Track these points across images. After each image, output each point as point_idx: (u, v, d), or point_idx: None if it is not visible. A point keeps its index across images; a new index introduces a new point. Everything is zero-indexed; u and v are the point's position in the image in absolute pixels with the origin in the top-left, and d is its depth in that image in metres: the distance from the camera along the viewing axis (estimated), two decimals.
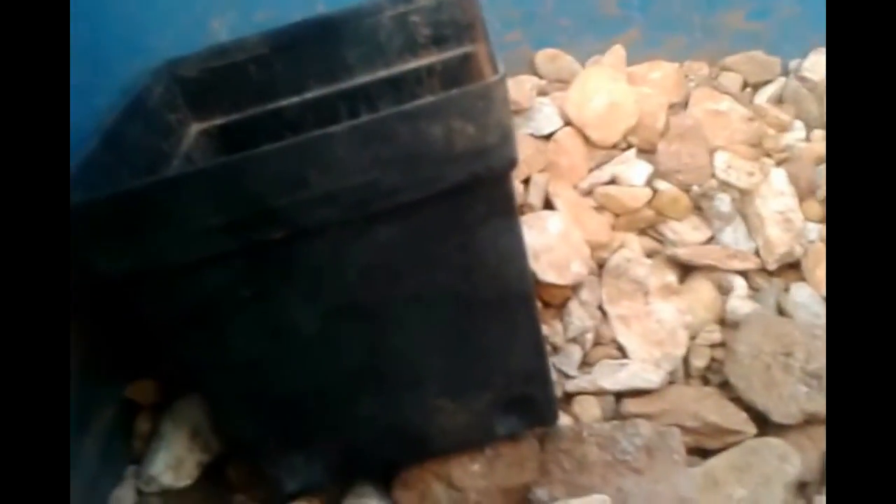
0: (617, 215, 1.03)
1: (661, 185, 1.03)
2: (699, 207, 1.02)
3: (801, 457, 0.77)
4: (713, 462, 0.79)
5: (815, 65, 1.18)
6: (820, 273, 0.94)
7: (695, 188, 1.02)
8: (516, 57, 1.19)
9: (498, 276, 0.63)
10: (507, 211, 0.60)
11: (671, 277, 0.94)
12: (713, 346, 0.90)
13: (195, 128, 0.89)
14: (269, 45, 0.86)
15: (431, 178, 0.56)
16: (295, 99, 0.88)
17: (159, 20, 0.97)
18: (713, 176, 1.03)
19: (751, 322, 0.88)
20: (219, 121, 0.89)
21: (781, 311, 0.93)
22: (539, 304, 0.89)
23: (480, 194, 0.59)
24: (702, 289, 0.94)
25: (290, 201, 0.56)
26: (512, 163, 0.57)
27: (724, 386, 0.86)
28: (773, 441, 0.79)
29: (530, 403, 0.72)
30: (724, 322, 0.92)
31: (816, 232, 0.98)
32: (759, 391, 0.82)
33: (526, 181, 1.03)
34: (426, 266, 0.62)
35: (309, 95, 0.88)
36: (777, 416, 0.80)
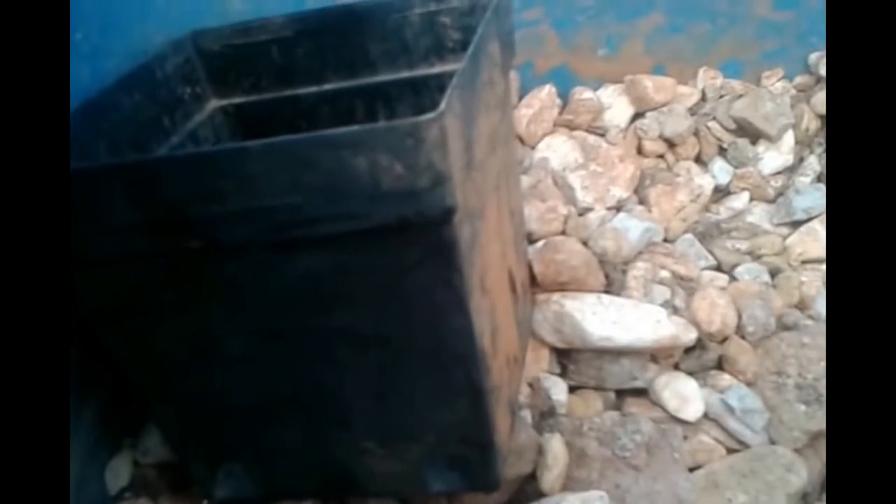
0: None
1: None
2: None
3: (807, 467, 0.75)
4: (716, 465, 0.77)
5: None
6: None
7: None
8: (534, 35, 1.14)
9: (431, 329, 0.56)
10: (445, 263, 0.52)
11: None
12: None
13: (213, 104, 0.85)
14: (292, 29, 0.80)
15: (356, 213, 0.49)
16: (313, 88, 0.83)
17: None
18: None
19: None
20: (237, 100, 0.85)
21: None
22: None
23: (413, 240, 0.51)
24: None
25: (205, 212, 0.51)
26: (447, 212, 0.49)
27: None
28: (780, 450, 0.77)
29: (467, 465, 0.64)
30: None
31: None
32: None
33: None
34: (352, 304, 0.56)
35: (328, 87, 0.82)
36: (783, 443, 0.78)
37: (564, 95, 1.17)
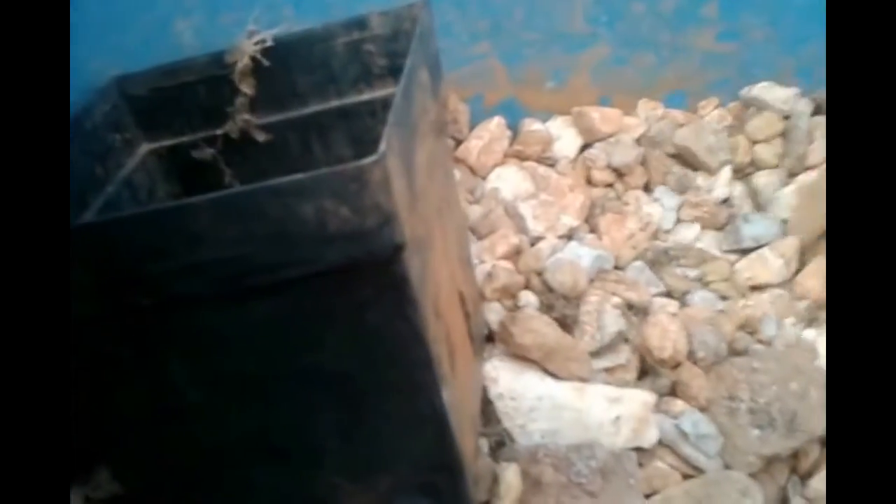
0: None
1: None
2: None
3: (762, 491, 0.77)
4: (672, 491, 0.79)
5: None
6: None
7: None
8: (483, 69, 1.16)
9: (392, 363, 0.58)
10: (399, 297, 0.54)
11: None
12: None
13: (145, 147, 0.86)
14: (218, 67, 0.81)
15: (307, 258, 0.51)
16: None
17: (123, 19, 0.93)
18: None
19: None
20: (168, 142, 0.85)
21: None
22: None
23: (365, 279, 0.53)
24: None
25: (155, 270, 0.52)
26: (396, 249, 0.51)
27: None
28: (734, 475, 0.79)
29: (437, 491, 0.66)
30: None
31: None
32: None
33: None
34: (311, 346, 0.57)
35: (259, 122, 0.83)
36: (738, 468, 0.80)
37: (514, 127, 1.20)
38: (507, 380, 0.83)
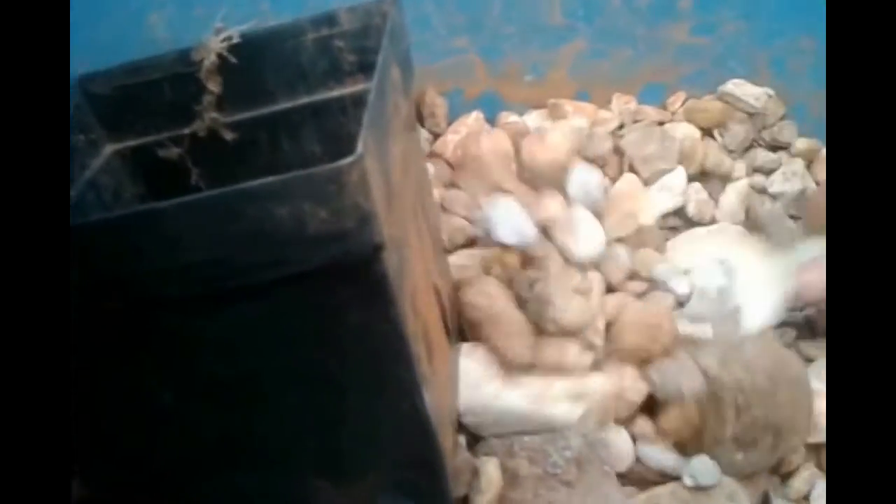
0: None
1: None
2: None
3: (749, 499, 0.80)
4: (658, 490, 0.81)
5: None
6: None
7: None
8: (462, 63, 1.16)
9: (373, 362, 0.58)
10: (379, 296, 0.54)
11: None
12: None
13: (109, 148, 0.84)
14: (185, 64, 0.80)
15: (285, 259, 0.51)
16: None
17: (94, 13, 0.91)
18: None
19: None
20: (133, 142, 0.84)
21: None
22: None
23: (345, 279, 0.53)
24: None
25: (130, 273, 0.51)
26: (376, 248, 0.51)
27: None
28: (725, 479, 0.80)
29: (418, 489, 0.66)
30: None
31: None
32: None
33: None
34: (290, 347, 0.57)
35: (227, 120, 0.82)
36: (728, 481, 0.81)
37: (493, 121, 1.20)
38: (466, 397, 0.82)
